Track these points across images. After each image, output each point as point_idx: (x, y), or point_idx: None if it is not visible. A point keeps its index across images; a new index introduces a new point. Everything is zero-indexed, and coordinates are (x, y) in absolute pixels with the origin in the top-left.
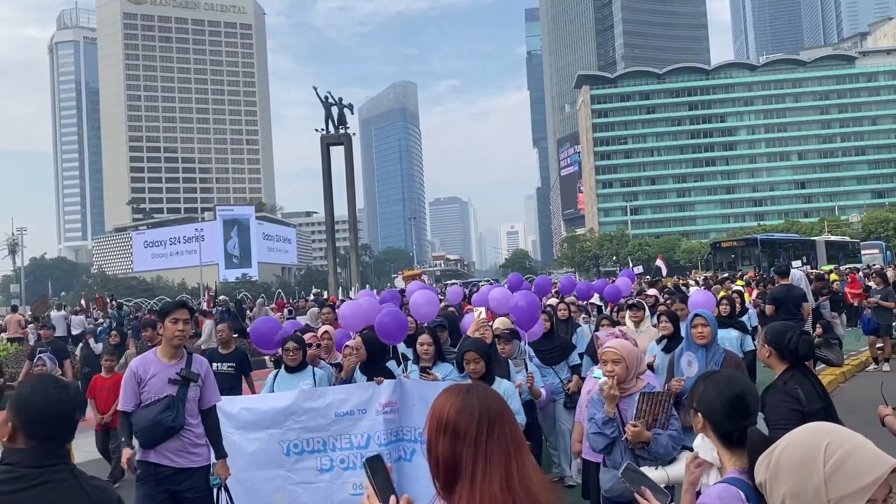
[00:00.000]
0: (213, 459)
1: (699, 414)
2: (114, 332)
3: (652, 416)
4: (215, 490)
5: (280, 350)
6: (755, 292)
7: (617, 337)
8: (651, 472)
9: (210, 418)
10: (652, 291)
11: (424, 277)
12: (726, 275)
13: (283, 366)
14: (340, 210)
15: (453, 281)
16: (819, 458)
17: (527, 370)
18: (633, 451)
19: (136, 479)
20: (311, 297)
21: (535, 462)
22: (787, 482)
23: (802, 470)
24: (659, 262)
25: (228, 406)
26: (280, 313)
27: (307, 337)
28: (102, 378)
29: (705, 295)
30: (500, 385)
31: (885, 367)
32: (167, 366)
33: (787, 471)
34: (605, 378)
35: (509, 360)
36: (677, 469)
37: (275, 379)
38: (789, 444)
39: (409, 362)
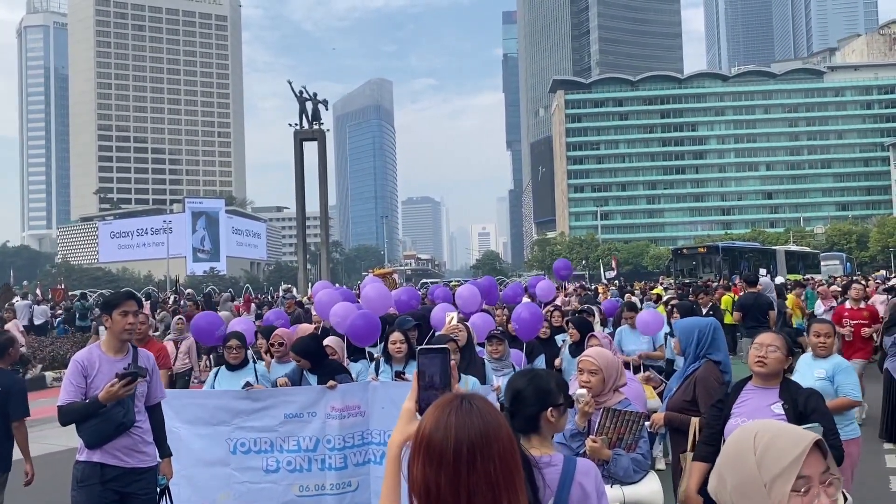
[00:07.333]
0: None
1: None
2: None
3: (616, 435)
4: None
5: (221, 347)
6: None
7: (609, 342)
8: (607, 491)
9: (156, 415)
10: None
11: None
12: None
13: (224, 363)
14: (312, 206)
15: (425, 280)
16: (750, 447)
17: None
18: None
19: (77, 481)
20: (281, 292)
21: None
22: (730, 477)
23: (738, 461)
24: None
25: (175, 399)
26: (247, 309)
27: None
28: None
29: (652, 315)
30: (468, 382)
31: None
32: (113, 361)
33: (727, 467)
34: (583, 391)
35: (486, 361)
36: (635, 490)
37: (216, 377)
38: (726, 446)
39: (381, 361)
